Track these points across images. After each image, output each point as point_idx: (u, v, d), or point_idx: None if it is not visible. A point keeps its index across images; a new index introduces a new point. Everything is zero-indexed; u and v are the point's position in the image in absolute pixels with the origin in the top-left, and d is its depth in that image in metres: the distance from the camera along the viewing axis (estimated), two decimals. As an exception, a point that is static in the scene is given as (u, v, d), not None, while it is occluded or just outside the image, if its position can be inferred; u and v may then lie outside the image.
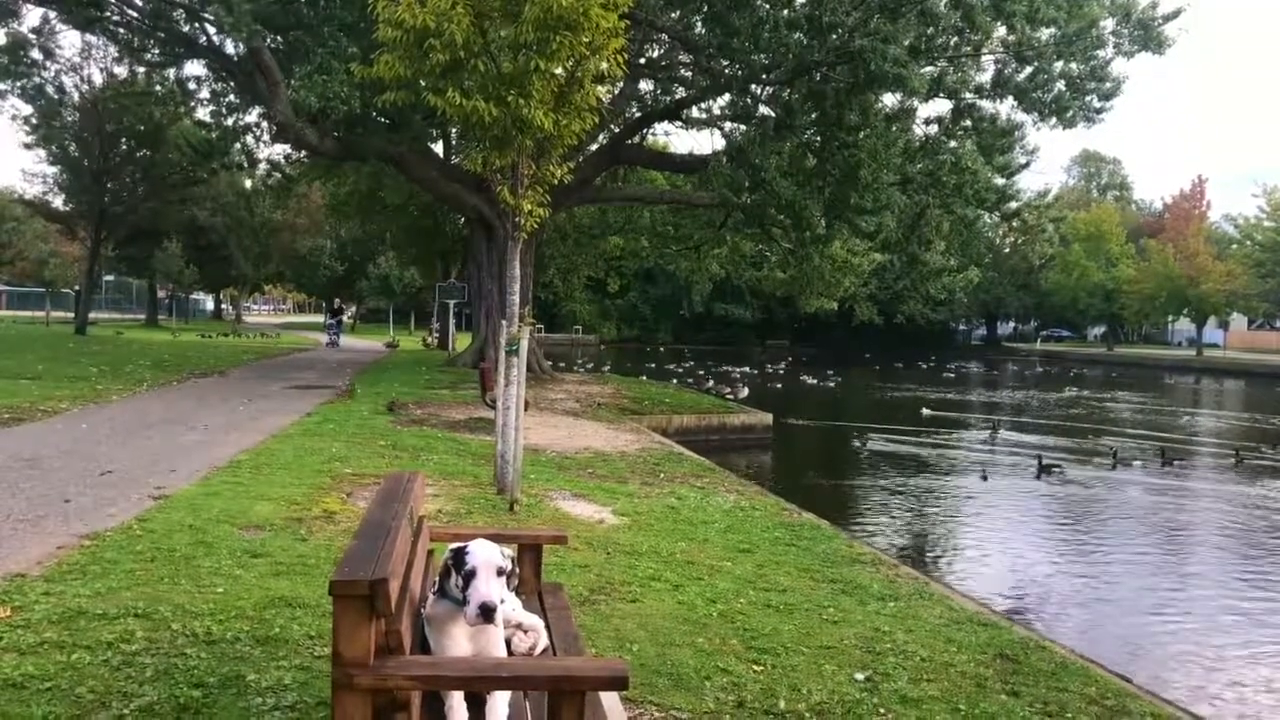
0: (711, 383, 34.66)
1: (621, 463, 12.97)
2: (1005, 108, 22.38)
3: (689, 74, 25.81)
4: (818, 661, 5.43)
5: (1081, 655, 6.53)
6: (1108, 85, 21.25)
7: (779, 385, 39.27)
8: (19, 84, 26.15)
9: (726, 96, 23.58)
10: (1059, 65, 21.12)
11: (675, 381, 34.29)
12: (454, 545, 3.16)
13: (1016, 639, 6.36)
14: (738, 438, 21.09)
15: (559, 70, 8.90)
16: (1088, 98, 21.38)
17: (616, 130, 27.61)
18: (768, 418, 22.47)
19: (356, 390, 17.98)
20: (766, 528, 9.34)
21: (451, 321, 39.33)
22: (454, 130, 27.31)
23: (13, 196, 52.23)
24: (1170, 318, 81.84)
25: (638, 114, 28.42)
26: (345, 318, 64.44)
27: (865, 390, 39.60)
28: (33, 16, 26.82)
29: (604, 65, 8.96)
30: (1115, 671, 6.30)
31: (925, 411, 29.82)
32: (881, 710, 4.81)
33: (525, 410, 10.06)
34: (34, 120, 33.10)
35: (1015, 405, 34.85)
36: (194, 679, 4.32)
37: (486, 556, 3.05)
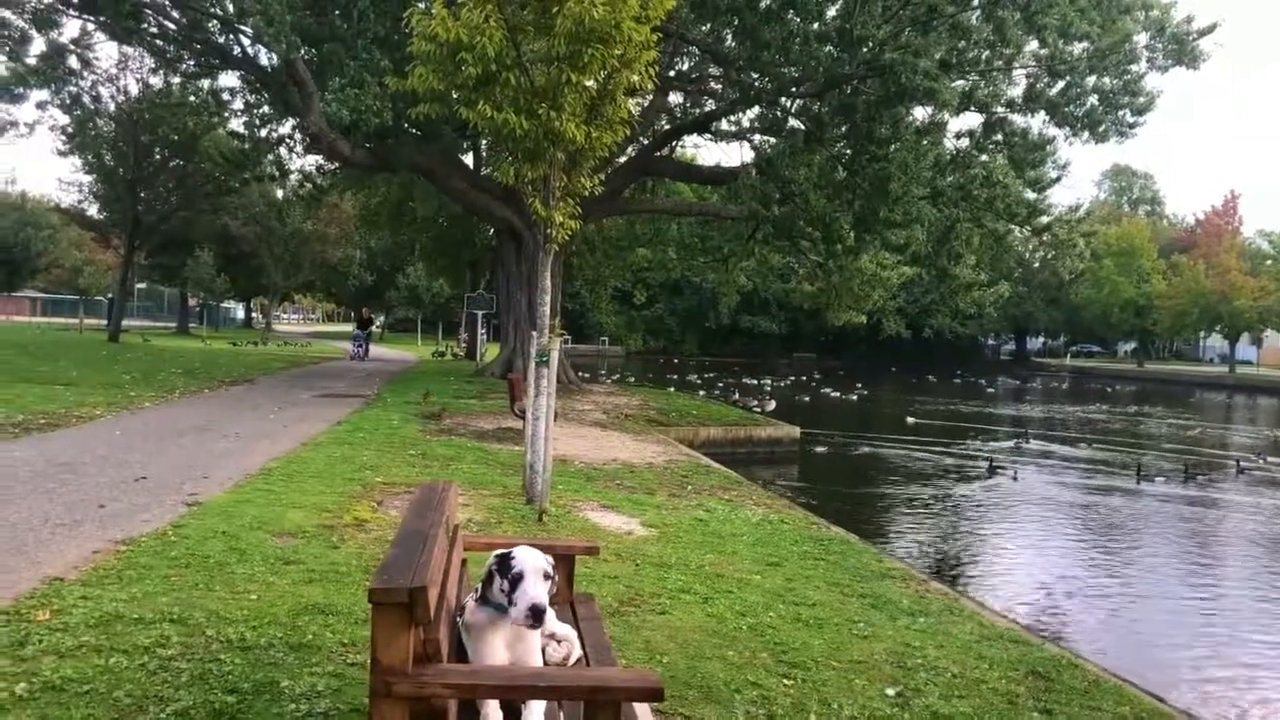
0: (737, 395, 34.62)
1: (649, 474, 12.97)
2: (1037, 122, 22.33)
3: (719, 87, 25.88)
4: (848, 676, 5.40)
5: (1114, 674, 6.46)
6: (1141, 100, 21.15)
7: (806, 398, 39.15)
8: (57, 94, 26.55)
9: (756, 109, 23.62)
10: (1091, 79, 21.04)
11: (702, 393, 34.27)
12: (498, 551, 3.20)
13: (1048, 656, 6.30)
14: (765, 450, 21.03)
15: (590, 83, 8.95)
16: (1120, 112, 21.28)
17: (646, 142, 27.69)
18: (795, 431, 22.40)
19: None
20: (795, 541, 9.31)
21: (480, 332, 39.49)
22: (484, 142, 27.48)
23: (49, 205, 52.95)
24: (1202, 334, 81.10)
25: (667, 126, 28.50)
26: (375, 328, 64.90)
27: (896, 404, 39.34)
28: (72, 27, 27.26)
29: (635, 78, 9.00)
30: (1149, 691, 6.23)
31: (910, 420, 29.79)
32: (913, 726, 4.78)
33: (554, 421, 10.09)
34: (70, 129, 33.56)
35: (1045, 420, 34.63)
36: (229, 684, 4.36)
37: (534, 561, 3.09)
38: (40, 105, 29.11)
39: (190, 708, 4.07)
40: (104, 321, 45.94)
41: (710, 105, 27.06)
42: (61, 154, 35.99)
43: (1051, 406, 41.85)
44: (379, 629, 2.61)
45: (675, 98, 28.36)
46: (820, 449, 22.40)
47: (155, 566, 6.18)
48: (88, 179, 41.49)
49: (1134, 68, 20.99)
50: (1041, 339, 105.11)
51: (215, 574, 6.12)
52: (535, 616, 3.00)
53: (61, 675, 4.29)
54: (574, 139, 8.75)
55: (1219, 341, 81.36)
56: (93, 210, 43.74)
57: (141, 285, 64.04)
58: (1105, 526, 14.95)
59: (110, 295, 47.43)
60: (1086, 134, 21.40)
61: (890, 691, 5.22)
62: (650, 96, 23.79)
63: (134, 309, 60.37)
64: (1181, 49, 20.61)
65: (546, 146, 8.88)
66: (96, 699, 4.09)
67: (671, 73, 24.92)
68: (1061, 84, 21.16)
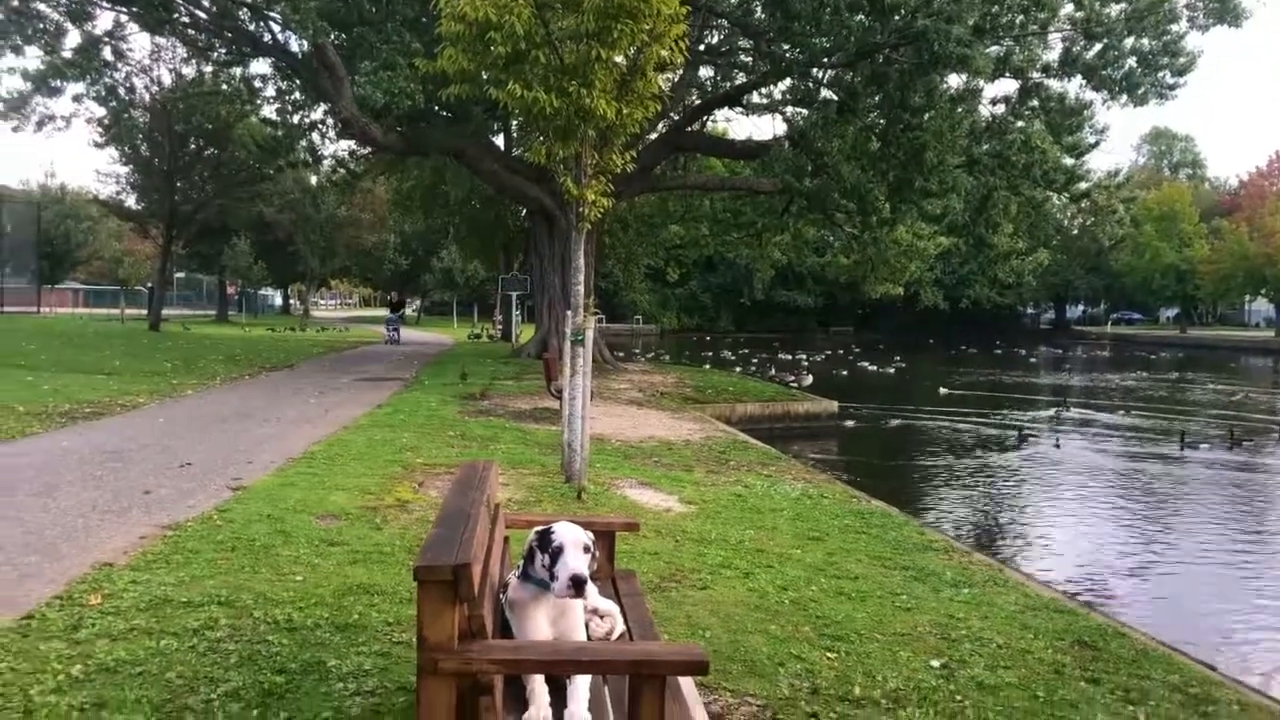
0: (773, 371, 34.51)
1: (687, 451, 12.97)
2: (1074, 86, 21.97)
3: (749, 59, 25.69)
4: (892, 648, 5.38)
5: (1162, 642, 6.39)
6: (1181, 60, 20.71)
7: (844, 372, 38.93)
8: (92, 86, 26.74)
9: (787, 81, 23.38)
10: (1130, 41, 20.66)
11: (738, 370, 34.19)
12: (538, 527, 3.22)
13: (1094, 625, 6.24)
14: (802, 425, 20.96)
15: (620, 59, 8.89)
16: (1160, 74, 20.86)
17: (676, 118, 27.55)
18: (833, 405, 22.30)
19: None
20: (835, 515, 9.28)
21: (515, 313, 39.59)
22: (515, 122, 27.46)
23: (88, 197, 53.51)
24: (1247, 298, 79.79)
25: (698, 101, 28.33)
26: (408, 311, 65.15)
27: (935, 376, 38.98)
28: (105, 19, 27.43)
29: (665, 52, 8.93)
30: (1199, 659, 6.15)
31: (942, 391, 29.65)
32: (958, 697, 4.76)
33: (590, 399, 10.10)
34: (106, 121, 33.84)
35: (1086, 388, 34.26)
36: (277, 665, 4.43)
37: (573, 535, 3.12)
38: (76, 98, 29.46)
39: (240, 688, 4.14)
40: (145, 311, 46.41)
41: (741, 78, 26.87)
42: (98, 145, 36.30)
43: (1093, 375, 41.38)
44: (424, 607, 2.63)
45: (706, 71, 28.19)
46: (849, 423, 22.20)
47: (202, 550, 6.27)
48: (124, 170, 41.87)
49: (1174, 27, 20.55)
50: (1081, 307, 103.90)
51: (261, 557, 6.20)
52: (576, 587, 3.02)
53: (115, 657, 4.37)
54: (605, 116, 8.70)
55: (1265, 305, 79.99)
56: (130, 201, 44.10)
57: (180, 274, 64.67)
58: (1149, 494, 14.79)
59: (150, 285, 47.89)
60: (1125, 97, 21.00)
61: (935, 663, 5.20)
62: (680, 71, 23.63)
63: (173, 298, 60.95)
64: (1224, 6, 20.15)
65: (577, 124, 8.85)
66: (149, 680, 4.16)
67: (701, 46, 24.76)
68: (1099, 47, 20.78)
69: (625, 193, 24.41)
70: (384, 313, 55.62)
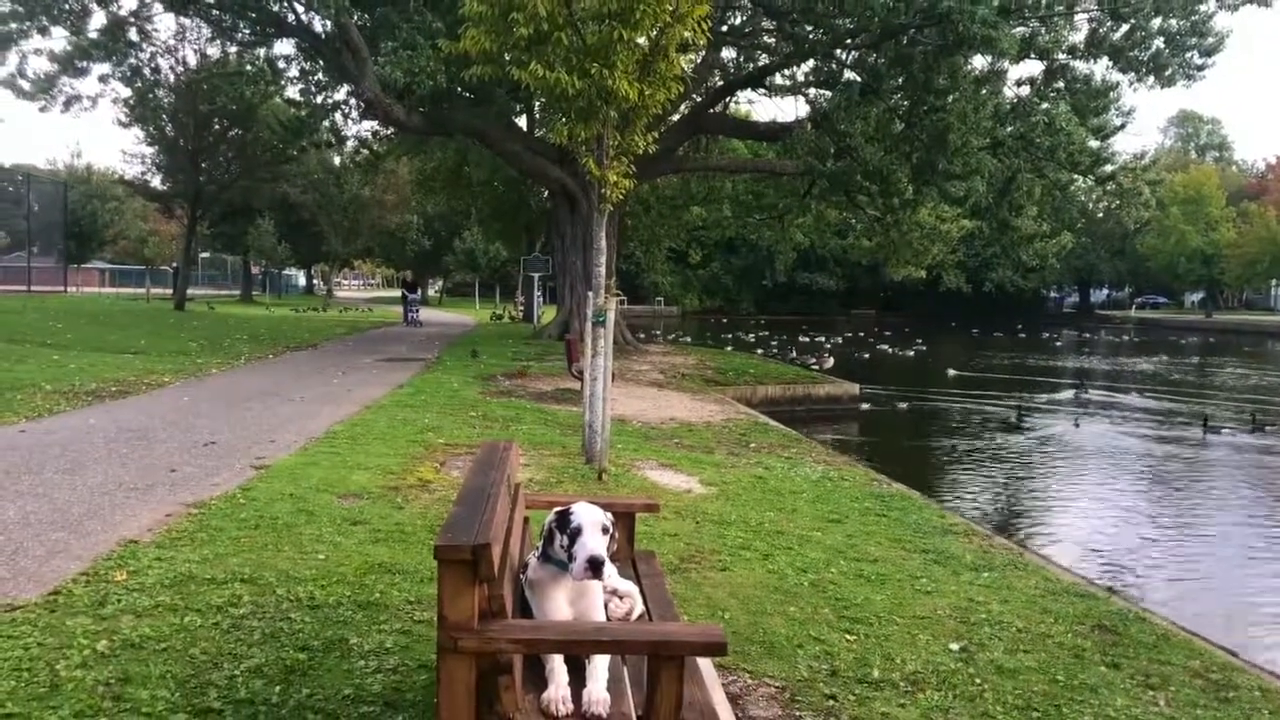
0: (794, 353, 34.44)
1: (707, 433, 12.98)
2: (1100, 68, 21.70)
3: (772, 40, 25.50)
4: (911, 631, 5.39)
5: (1183, 628, 6.37)
6: (1210, 41, 20.43)
7: (866, 355, 38.78)
8: (118, 66, 26.86)
9: (811, 62, 23.23)
10: (1157, 22, 20.37)
11: (759, 352, 34.13)
12: (557, 509, 3.23)
13: (1115, 610, 6.23)
14: (824, 408, 20.93)
15: (642, 40, 8.86)
16: (1188, 55, 20.59)
17: (699, 99, 27.43)
18: (854, 388, 22.25)
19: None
20: (856, 498, 9.28)
21: (536, 294, 39.61)
22: (538, 104, 27.42)
23: (114, 177, 53.82)
24: (1273, 282, 78.94)
25: (720, 82, 28.19)
26: (431, 292, 65.21)
27: (956, 360, 38.74)
28: (130, 0, 27.51)
29: (687, 33, 8.89)
30: (1220, 644, 6.13)
31: (951, 372, 29.59)
32: (977, 680, 4.76)
33: (611, 381, 10.11)
34: (131, 101, 33.96)
35: (1108, 371, 34.02)
36: (299, 642, 4.46)
37: (591, 516, 3.14)
38: (102, 78, 29.54)
39: (263, 665, 4.18)
40: (170, 291, 46.71)
41: (764, 60, 26.69)
42: (123, 125, 36.51)
43: (1117, 359, 41.08)
44: (445, 585, 2.65)
45: (728, 53, 28.01)
46: (865, 405, 22.08)
47: (226, 528, 6.32)
48: (150, 150, 42.10)
49: (1202, 7, 20.26)
50: (1106, 291, 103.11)
51: (284, 535, 6.25)
52: (594, 568, 3.03)
53: (140, 633, 4.42)
54: (627, 97, 8.68)
55: (1292, 290, 79.26)
56: (156, 181, 44.35)
57: (205, 254, 65.05)
58: (1171, 477, 14.69)
59: (175, 265, 48.24)
60: (1152, 79, 20.75)
61: (954, 646, 5.20)
62: (703, 52, 23.52)
63: (198, 278, 61.27)
64: (1255, -15, 19.86)
65: (599, 105, 8.83)
66: (173, 656, 4.21)
67: (724, 27, 24.60)
68: (1125, 28, 20.52)
69: (647, 174, 24.34)
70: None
